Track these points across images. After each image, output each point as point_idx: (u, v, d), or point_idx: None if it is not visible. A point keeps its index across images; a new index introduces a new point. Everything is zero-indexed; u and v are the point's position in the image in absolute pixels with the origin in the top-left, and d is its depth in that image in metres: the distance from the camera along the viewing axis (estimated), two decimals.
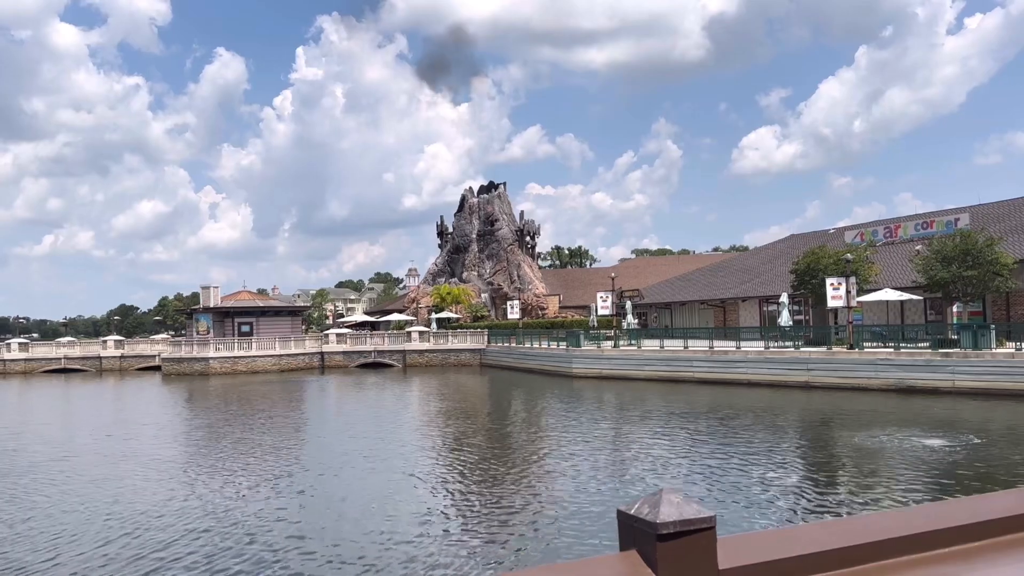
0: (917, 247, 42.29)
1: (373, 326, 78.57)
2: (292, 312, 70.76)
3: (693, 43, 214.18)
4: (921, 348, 32.28)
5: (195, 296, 79.38)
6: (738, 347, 38.02)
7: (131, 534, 13.05)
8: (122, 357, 64.99)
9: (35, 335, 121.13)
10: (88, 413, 36.83)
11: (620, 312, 53.82)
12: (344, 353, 61.89)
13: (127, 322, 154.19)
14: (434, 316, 69.76)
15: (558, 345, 49.27)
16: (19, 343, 67.16)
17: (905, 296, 38.49)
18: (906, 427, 22.16)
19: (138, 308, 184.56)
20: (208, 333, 62.31)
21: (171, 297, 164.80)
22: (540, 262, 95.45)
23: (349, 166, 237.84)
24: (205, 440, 25.50)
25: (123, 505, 15.33)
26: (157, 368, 60.95)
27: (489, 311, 76.92)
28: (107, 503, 15.57)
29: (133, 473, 19.00)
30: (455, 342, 61.66)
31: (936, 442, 19.42)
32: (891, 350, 32.48)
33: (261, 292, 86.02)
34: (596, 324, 55.90)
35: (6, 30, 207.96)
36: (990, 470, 16.58)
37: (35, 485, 17.48)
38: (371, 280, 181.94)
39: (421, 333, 62.29)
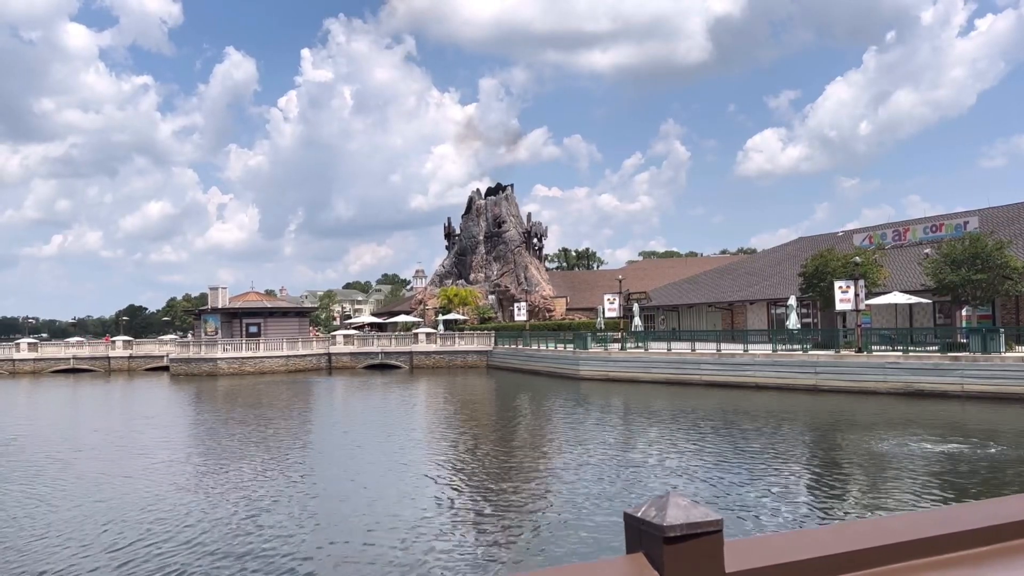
0: (926, 250, 42.10)
1: (380, 327, 78.69)
2: (300, 313, 70.97)
3: (696, 45, 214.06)
4: (930, 352, 32.10)
5: (203, 297, 79.68)
6: (746, 350, 37.90)
7: (150, 534, 13.10)
8: (130, 357, 65.27)
9: (45, 335, 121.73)
10: (101, 414, 37.00)
11: (627, 314, 53.75)
12: (351, 354, 62.00)
13: (135, 322, 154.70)
14: (441, 318, 69.81)
15: (565, 347, 49.22)
16: (28, 343, 67.53)
17: (914, 299, 38.32)
18: (915, 431, 22.05)
19: (146, 309, 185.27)
20: (216, 334, 62.54)
21: (179, 298, 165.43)
22: (547, 264, 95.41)
23: (356, 167, 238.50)
24: (218, 441, 25.58)
25: (138, 506, 15.40)
26: (165, 369, 61.18)
27: (496, 313, 76.93)
28: (123, 507, 15.64)
29: (145, 475, 19.08)
30: (462, 344, 61.68)
31: (945, 446, 19.32)
32: (900, 354, 32.31)
33: (269, 293, 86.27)
34: (603, 326, 55.83)
35: (16, 30, 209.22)
36: (1000, 474, 16.48)
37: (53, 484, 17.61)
38: (378, 281, 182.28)
39: (428, 335, 62.34)
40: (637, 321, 53.32)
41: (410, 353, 60.95)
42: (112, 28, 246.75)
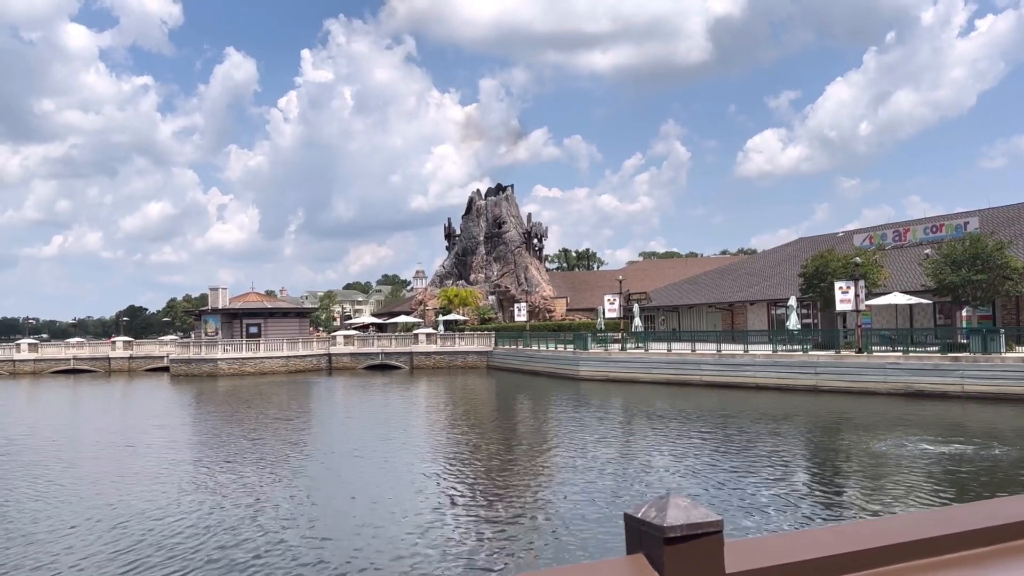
0: (926, 251, 42.08)
1: (380, 328, 78.67)
2: (300, 314, 70.98)
3: (696, 45, 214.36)
4: (930, 352, 32.09)
5: (203, 297, 79.71)
6: (746, 351, 37.88)
7: (153, 535, 13.10)
8: (131, 358, 65.25)
9: (45, 336, 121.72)
10: (103, 415, 36.99)
11: (627, 315, 53.75)
12: (351, 355, 61.99)
13: (136, 323, 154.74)
14: (441, 318, 69.81)
15: (565, 348, 49.22)
16: (28, 344, 67.49)
17: (914, 300, 38.31)
18: (915, 432, 22.05)
19: (147, 309, 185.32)
20: (216, 334, 62.53)
21: (179, 298, 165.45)
22: (547, 264, 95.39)
23: (356, 167, 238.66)
24: (221, 442, 25.58)
25: (135, 507, 15.40)
26: (165, 369, 61.16)
27: (496, 313, 76.91)
28: (125, 511, 15.64)
29: (150, 476, 19.08)
30: (462, 344, 61.68)
31: (946, 447, 19.31)
32: (900, 354, 32.30)
33: (269, 294, 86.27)
34: (603, 327, 55.82)
35: (16, 31, 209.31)
36: (1000, 475, 16.48)
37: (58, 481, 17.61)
38: (378, 282, 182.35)
39: (428, 335, 62.33)
40: (637, 321, 53.33)
41: (410, 353, 60.94)
42: (112, 28, 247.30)
